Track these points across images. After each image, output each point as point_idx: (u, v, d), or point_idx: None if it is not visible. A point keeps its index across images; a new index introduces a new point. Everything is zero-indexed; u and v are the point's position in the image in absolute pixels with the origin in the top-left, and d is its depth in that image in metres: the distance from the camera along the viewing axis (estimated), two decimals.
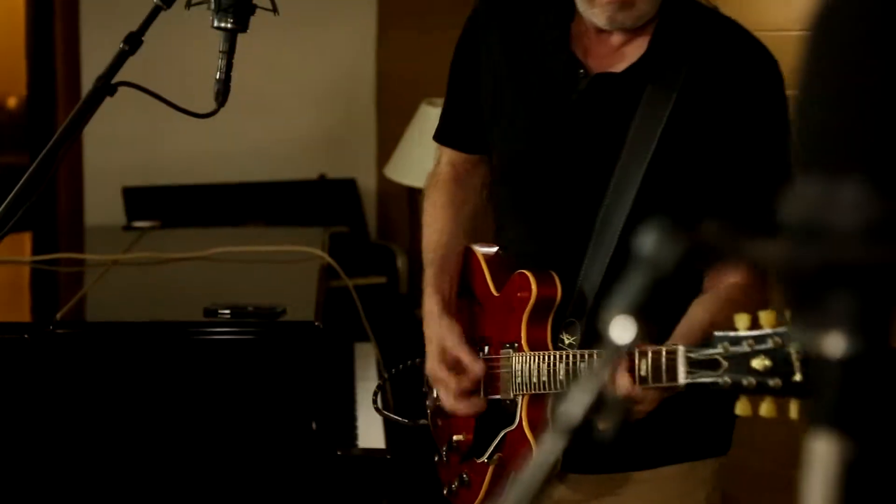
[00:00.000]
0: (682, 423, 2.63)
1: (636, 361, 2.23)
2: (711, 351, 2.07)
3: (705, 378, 2.08)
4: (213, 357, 3.49)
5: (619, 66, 2.57)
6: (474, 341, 2.73)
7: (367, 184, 6.03)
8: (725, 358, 2.05)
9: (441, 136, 2.92)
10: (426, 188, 2.97)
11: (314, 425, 2.75)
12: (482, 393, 2.66)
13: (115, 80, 2.39)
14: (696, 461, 2.72)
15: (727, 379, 2.04)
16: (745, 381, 2.01)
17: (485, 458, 2.67)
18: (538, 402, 2.58)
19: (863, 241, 0.77)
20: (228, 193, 5.49)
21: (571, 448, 2.73)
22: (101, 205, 5.49)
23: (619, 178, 2.50)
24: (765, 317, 1.95)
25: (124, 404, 3.45)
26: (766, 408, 2.01)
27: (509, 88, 2.73)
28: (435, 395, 2.81)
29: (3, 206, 2.35)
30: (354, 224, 5.90)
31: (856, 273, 0.77)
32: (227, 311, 3.52)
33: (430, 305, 2.71)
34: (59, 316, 3.77)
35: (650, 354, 2.20)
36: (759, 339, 1.99)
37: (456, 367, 2.64)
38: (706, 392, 2.12)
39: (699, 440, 2.73)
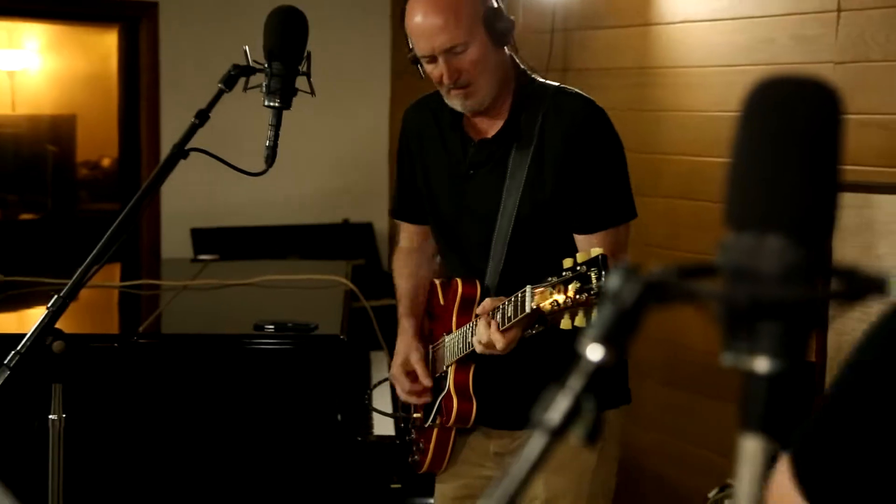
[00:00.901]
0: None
1: (502, 308, 2.46)
2: (545, 284, 2.28)
3: (547, 303, 2.27)
4: (261, 363, 3.49)
5: (491, 133, 2.71)
6: (430, 340, 2.88)
7: (381, 226, 6.03)
8: (554, 286, 2.26)
9: (396, 214, 3.09)
10: (395, 255, 3.13)
11: (339, 417, 2.75)
12: (430, 381, 2.78)
13: (188, 146, 2.40)
14: (610, 409, 2.79)
15: (561, 301, 2.24)
16: (565, 302, 2.23)
17: (428, 423, 2.78)
18: (463, 371, 2.69)
19: (784, 283, 0.77)
20: (272, 233, 5.50)
21: (505, 410, 2.71)
22: (174, 242, 5.49)
23: (502, 213, 2.66)
24: (580, 257, 2.25)
25: (191, 398, 3.45)
26: (578, 319, 2.26)
27: (432, 171, 2.86)
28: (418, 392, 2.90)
29: (100, 243, 2.36)
30: (371, 257, 5.93)
31: (779, 308, 0.77)
32: (272, 326, 3.53)
33: (406, 326, 2.89)
34: (140, 329, 3.80)
35: (509, 299, 2.43)
36: (573, 270, 2.24)
37: (411, 375, 2.81)
38: (553, 314, 2.31)
39: (608, 389, 2.71)
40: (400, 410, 2.88)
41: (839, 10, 3.80)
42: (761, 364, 0.77)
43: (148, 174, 5.64)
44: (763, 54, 4.06)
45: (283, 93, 2.48)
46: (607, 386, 2.71)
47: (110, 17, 5.82)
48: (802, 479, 1.24)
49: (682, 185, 4.41)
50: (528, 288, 2.34)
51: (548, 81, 2.75)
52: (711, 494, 4.19)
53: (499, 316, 2.44)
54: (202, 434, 3.46)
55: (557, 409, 0.80)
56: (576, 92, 2.73)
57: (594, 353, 0.79)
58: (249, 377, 3.48)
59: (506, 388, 2.74)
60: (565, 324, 2.29)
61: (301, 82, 2.51)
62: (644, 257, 4.43)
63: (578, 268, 2.24)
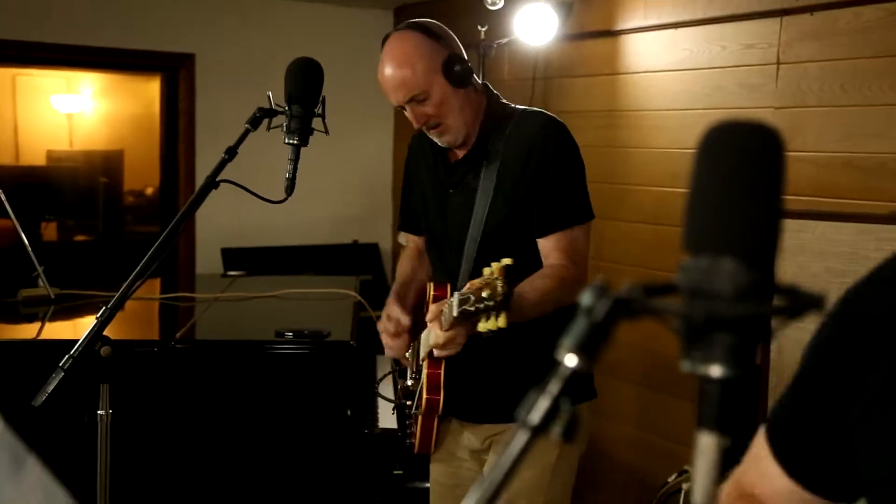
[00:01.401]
0: (540, 380, 2.61)
1: (445, 311, 2.39)
2: (465, 291, 2.22)
3: (468, 306, 2.20)
4: (281, 365, 3.47)
5: (460, 156, 2.71)
6: (417, 336, 2.81)
7: (386, 246, 6.03)
8: (472, 293, 2.19)
9: (402, 226, 3.06)
10: (402, 253, 3.11)
11: (348, 412, 2.73)
12: (407, 318, 2.72)
13: (218, 178, 2.39)
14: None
15: (474, 308, 2.18)
16: (481, 305, 2.16)
17: (413, 411, 2.75)
18: (434, 365, 2.63)
19: (735, 301, 0.76)
20: (291, 252, 5.50)
21: (474, 405, 2.66)
22: (207, 260, 5.47)
23: (472, 223, 2.64)
24: (494, 266, 2.19)
25: (221, 396, 3.44)
26: (492, 323, 2.19)
27: (424, 190, 2.85)
28: (405, 385, 2.88)
29: (142, 262, 2.36)
30: (377, 273, 5.92)
31: (730, 322, 0.76)
32: (290, 333, 3.51)
33: (389, 297, 2.80)
34: (177, 336, 3.78)
35: (447, 303, 2.39)
36: (487, 281, 2.17)
37: (390, 318, 2.73)
38: (469, 316, 2.25)
39: None
40: (400, 399, 2.84)
41: (778, 63, 3.81)
42: (715, 370, 0.76)
43: (184, 201, 5.65)
44: (714, 100, 4.06)
45: (301, 132, 2.48)
46: (575, 383, 2.70)
47: (154, 67, 5.83)
48: (772, 441, 1.28)
49: (646, 211, 4.40)
50: (455, 294, 2.30)
51: (516, 105, 2.73)
52: (671, 479, 4.18)
53: (443, 318, 2.41)
54: (229, 427, 3.46)
55: (538, 409, 0.79)
56: (537, 111, 2.71)
57: (570, 360, 0.79)
58: (271, 378, 3.46)
59: (475, 385, 2.70)
60: (481, 327, 2.24)
61: (316, 123, 2.52)
62: (613, 274, 4.43)
63: (490, 276, 2.21)
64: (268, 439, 3.45)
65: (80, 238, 7.99)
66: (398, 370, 2.94)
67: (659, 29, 4.32)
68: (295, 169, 2.49)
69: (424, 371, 2.65)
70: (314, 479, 3.41)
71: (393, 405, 2.83)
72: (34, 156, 8.41)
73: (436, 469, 2.89)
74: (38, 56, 5.45)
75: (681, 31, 4.22)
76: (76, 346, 2.32)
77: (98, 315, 2.37)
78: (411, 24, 2.63)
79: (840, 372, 1.18)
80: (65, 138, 8.67)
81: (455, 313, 2.28)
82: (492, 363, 2.65)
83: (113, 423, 2.54)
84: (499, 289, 2.17)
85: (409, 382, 2.84)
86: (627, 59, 4.51)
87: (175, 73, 5.67)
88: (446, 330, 2.40)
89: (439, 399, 2.64)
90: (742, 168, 0.81)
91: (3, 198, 4.31)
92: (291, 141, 2.48)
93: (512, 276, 2.22)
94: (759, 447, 1.30)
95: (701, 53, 4.15)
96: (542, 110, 2.71)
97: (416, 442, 2.78)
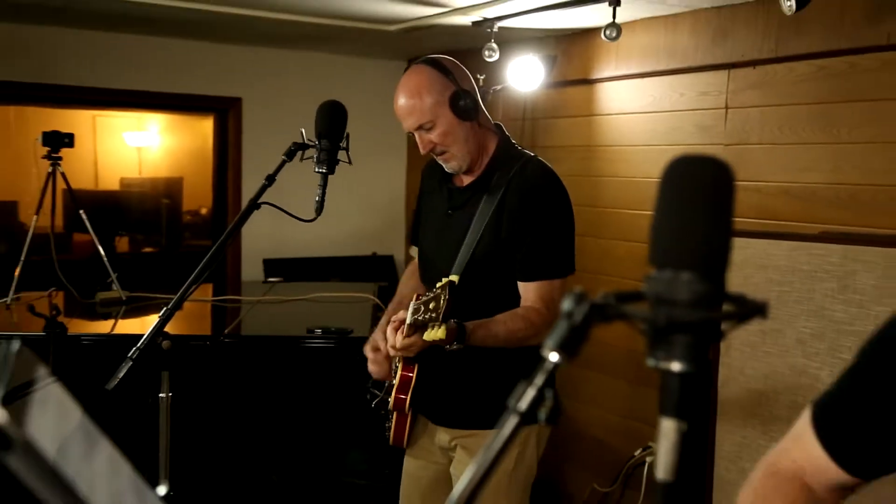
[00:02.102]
0: (501, 398, 2.51)
1: (403, 320, 2.29)
2: (417, 302, 2.20)
3: (418, 316, 2.18)
4: (312, 357, 3.48)
5: (466, 184, 2.57)
6: None
7: (400, 257, 6.01)
8: (423, 303, 2.17)
9: (412, 241, 2.87)
10: (408, 267, 2.95)
11: (368, 396, 2.72)
12: (381, 353, 2.54)
13: (259, 201, 2.39)
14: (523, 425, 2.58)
15: (421, 317, 2.17)
16: (428, 315, 2.15)
17: (389, 408, 2.60)
18: (408, 368, 2.53)
19: (692, 307, 0.76)
20: (320, 263, 5.50)
21: (443, 411, 2.57)
22: (251, 268, 5.48)
23: (464, 246, 2.49)
24: (442, 282, 2.17)
25: (262, 381, 3.45)
26: (435, 333, 2.16)
27: (430, 210, 2.73)
28: (391, 383, 2.74)
29: (197, 269, 2.36)
30: (392, 281, 5.91)
31: (688, 325, 0.75)
32: (320, 330, 3.51)
33: (382, 320, 2.60)
34: (226, 331, 3.77)
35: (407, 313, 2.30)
36: (434, 294, 2.16)
37: (374, 348, 2.54)
38: (420, 325, 2.21)
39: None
40: (384, 395, 2.69)
41: (727, 108, 3.82)
42: (675, 366, 0.76)
43: (233, 219, 5.65)
44: (673, 138, 4.07)
45: (329, 162, 2.48)
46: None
47: (208, 108, 5.84)
48: (817, 424, 1.26)
49: (618, 230, 4.40)
50: (411, 304, 2.22)
51: (526, 150, 2.59)
52: (637, 453, 4.16)
53: (405, 327, 2.29)
54: (268, 407, 3.46)
55: (526, 398, 0.78)
56: (542, 162, 2.54)
57: (553, 357, 0.78)
58: (303, 367, 3.47)
59: (445, 393, 2.58)
60: (428, 335, 2.18)
61: (341, 154, 2.52)
62: (591, 283, 4.41)
63: (436, 291, 2.16)
64: (300, 418, 3.46)
65: (146, 250, 8.00)
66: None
67: (628, 78, 4.32)
68: (324, 193, 2.48)
69: (399, 372, 2.53)
70: (338, 448, 3.40)
71: (373, 401, 2.67)
72: (110, 182, 8.44)
73: (408, 461, 2.75)
74: (113, 100, 5.46)
75: (646, 80, 4.22)
76: (141, 340, 2.32)
77: (160, 314, 2.36)
78: (427, 59, 2.51)
79: (892, 370, 1.17)
80: (135, 167, 8.70)
81: (409, 321, 2.21)
82: (460, 377, 2.54)
83: (172, 405, 2.54)
84: (441, 302, 2.13)
85: (395, 381, 2.71)
86: (601, 103, 4.51)
87: (225, 113, 5.68)
88: (406, 336, 2.29)
89: (406, 399, 2.51)
90: (696, 195, 0.81)
91: (85, 216, 4.32)
92: (321, 170, 2.48)
93: (455, 294, 2.16)
94: (803, 430, 1.28)
95: (663, 99, 4.15)
96: (546, 163, 2.56)
97: (392, 435, 2.64)
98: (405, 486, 2.76)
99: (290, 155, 2.47)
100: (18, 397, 0.63)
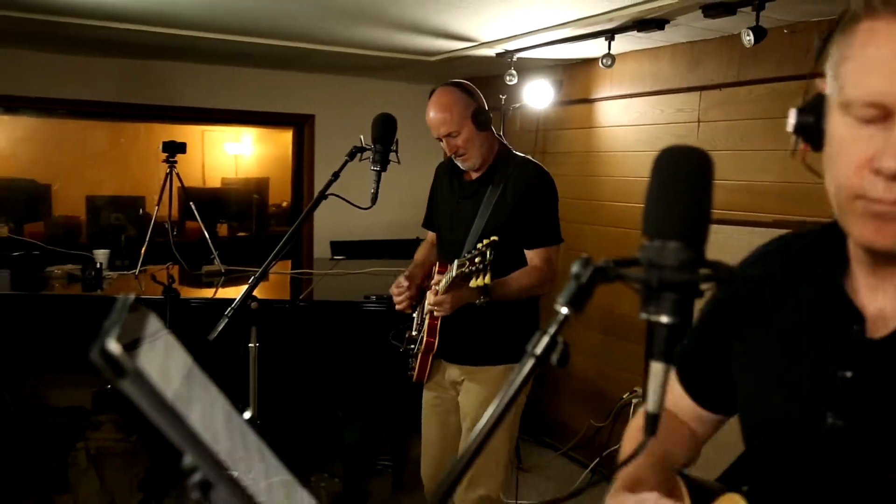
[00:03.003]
0: (502, 343, 2.60)
1: (439, 282, 2.42)
2: (463, 258, 2.25)
3: (464, 269, 2.22)
4: (368, 318, 3.46)
5: (474, 178, 2.66)
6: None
7: None
8: (468, 261, 2.21)
9: (424, 224, 2.95)
10: (421, 244, 3.01)
11: (394, 342, 2.76)
12: (409, 284, 2.66)
13: (327, 192, 2.36)
14: (513, 364, 2.60)
15: (468, 269, 2.20)
16: (473, 267, 2.18)
17: (414, 350, 2.71)
18: (434, 319, 2.60)
19: (678, 270, 0.72)
20: (375, 244, 5.48)
21: (457, 351, 2.61)
22: (321, 248, 5.48)
23: (475, 226, 2.57)
24: (485, 241, 2.19)
25: (329, 336, 3.44)
26: (481, 280, 2.19)
27: (442, 199, 2.80)
28: (410, 334, 2.79)
29: (277, 247, 2.34)
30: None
31: (674, 285, 0.72)
32: (374, 297, 3.50)
33: (407, 271, 2.75)
34: (301, 297, 3.76)
35: (447, 275, 2.39)
36: (479, 251, 2.18)
37: (397, 284, 2.68)
38: (465, 278, 2.25)
39: (512, 353, 2.59)
40: (406, 345, 2.77)
41: (699, 122, 3.75)
42: (664, 318, 0.73)
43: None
44: (656, 146, 3.97)
45: (382, 162, 2.45)
46: (517, 348, 2.62)
47: (288, 123, 5.84)
48: (679, 373, 1.21)
49: (612, 219, 4.34)
50: (455, 262, 2.29)
51: (519, 154, 2.68)
52: (625, 396, 4.11)
53: (441, 286, 2.40)
54: (333, 356, 3.46)
55: (541, 344, 0.75)
56: (533, 161, 2.64)
57: (563, 310, 0.75)
58: (362, 325, 3.46)
59: (459, 339, 2.63)
60: (473, 283, 2.24)
61: (392, 156, 2.49)
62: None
63: (481, 247, 2.20)
64: (357, 365, 3.45)
65: (240, 234, 8.04)
66: (408, 325, 2.84)
67: (619, 98, 4.26)
68: (377, 187, 2.46)
69: (427, 321, 2.61)
70: (386, 390, 3.39)
71: (399, 349, 2.74)
72: (213, 181, 8.49)
73: (426, 394, 2.82)
74: (217, 117, 5.48)
75: (634, 99, 4.16)
76: (235, 302, 2.31)
77: (250, 282, 2.36)
78: (453, 82, 2.61)
79: (725, 320, 1.12)
80: (232, 170, 8.74)
81: (454, 274, 2.28)
82: (471, 325, 2.59)
83: (259, 353, 2.54)
84: (487, 256, 2.16)
85: (414, 333, 2.77)
86: (599, 117, 4.44)
87: (302, 127, 5.68)
88: (441, 294, 2.40)
89: (434, 341, 2.62)
90: (681, 177, 0.78)
91: (194, 207, 4.33)
92: (375, 168, 2.45)
93: (497, 249, 2.20)
94: (673, 383, 1.23)
95: (647, 114, 4.08)
96: (536, 161, 2.66)
97: (415, 373, 2.73)
98: (425, 412, 2.84)
99: (351, 156, 2.45)
100: (139, 341, 0.61)
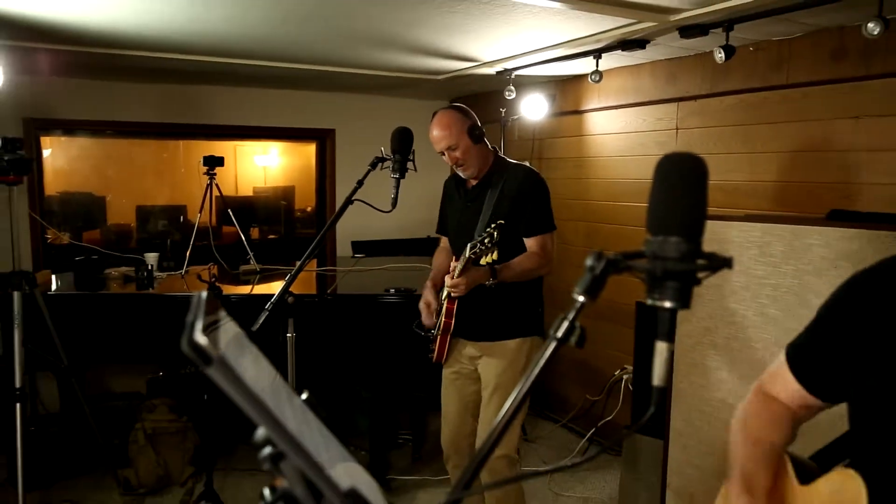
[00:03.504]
0: (514, 319, 2.66)
1: (455, 267, 2.45)
2: (475, 241, 2.29)
3: (476, 249, 2.27)
4: (388, 309, 3.46)
5: (474, 184, 2.71)
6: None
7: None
8: (479, 242, 2.26)
9: (438, 231, 2.98)
10: (437, 249, 3.03)
11: (417, 329, 2.74)
12: (435, 302, 2.69)
13: (353, 198, 2.37)
14: (525, 337, 2.67)
15: (479, 249, 2.27)
16: (483, 247, 2.25)
17: (434, 333, 2.73)
18: (451, 303, 2.63)
19: (679, 261, 0.73)
20: (393, 243, 5.47)
21: (474, 330, 2.65)
22: (343, 247, 5.48)
23: (479, 224, 2.60)
24: (493, 226, 2.22)
25: (354, 326, 3.44)
26: (489, 258, 2.25)
27: (451, 206, 2.85)
28: (430, 321, 2.79)
29: (310, 247, 2.34)
30: None
31: (676, 274, 0.73)
32: (393, 290, 3.50)
33: (428, 283, 2.77)
34: (328, 291, 3.76)
35: (461, 260, 2.41)
36: (487, 233, 2.26)
37: (426, 303, 2.71)
38: (477, 257, 2.29)
39: (524, 327, 2.67)
40: (427, 331, 2.80)
41: (677, 129, 3.75)
42: (667, 304, 0.74)
43: (329, 216, 5.65)
44: (637, 150, 4.00)
45: (401, 170, 2.47)
46: (530, 322, 2.70)
47: (312, 136, 5.84)
48: (791, 362, 1.21)
49: (601, 216, 4.34)
50: (468, 245, 2.35)
51: (512, 160, 2.73)
52: (616, 373, 4.12)
53: (455, 271, 2.45)
54: (358, 344, 3.46)
55: (561, 328, 0.76)
56: (524, 165, 2.70)
57: (580, 298, 0.76)
58: (383, 315, 3.46)
59: (475, 318, 2.68)
60: (483, 261, 2.31)
61: (409, 165, 2.50)
62: (583, 257, 4.37)
63: (490, 229, 2.26)
64: (380, 350, 3.45)
65: (271, 237, 8.05)
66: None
67: (606, 109, 4.25)
68: (397, 192, 2.47)
69: (444, 306, 2.66)
70: (405, 371, 3.39)
71: (422, 334, 2.79)
72: (245, 190, 8.50)
73: (446, 370, 2.86)
74: (248, 133, 5.49)
75: (619, 110, 4.15)
76: (274, 297, 2.33)
77: (286, 279, 2.37)
78: (450, 106, 2.69)
79: (847, 321, 1.11)
80: (261, 179, 8.75)
81: (468, 254, 2.34)
82: (485, 308, 2.64)
83: (296, 341, 2.55)
84: (495, 235, 2.24)
85: (443, 313, 2.79)
86: (588, 126, 4.44)
87: (324, 140, 5.68)
88: (456, 277, 2.45)
89: (451, 322, 2.66)
90: (680, 180, 0.78)
91: (231, 214, 4.35)
92: (395, 175, 2.47)
93: (503, 230, 2.27)
94: (779, 366, 1.24)
95: (631, 123, 4.08)
96: (527, 165, 2.72)
97: (435, 354, 2.77)
98: (445, 386, 2.87)
99: (373, 165, 2.46)
100: (212, 328, 0.62)
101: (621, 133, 4.16)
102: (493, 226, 2.28)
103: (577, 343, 0.76)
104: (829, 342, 1.15)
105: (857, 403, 1.09)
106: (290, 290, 2.42)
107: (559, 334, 0.75)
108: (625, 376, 4.03)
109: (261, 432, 0.63)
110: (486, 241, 2.28)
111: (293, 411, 0.71)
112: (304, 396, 0.80)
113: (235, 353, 0.63)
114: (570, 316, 0.75)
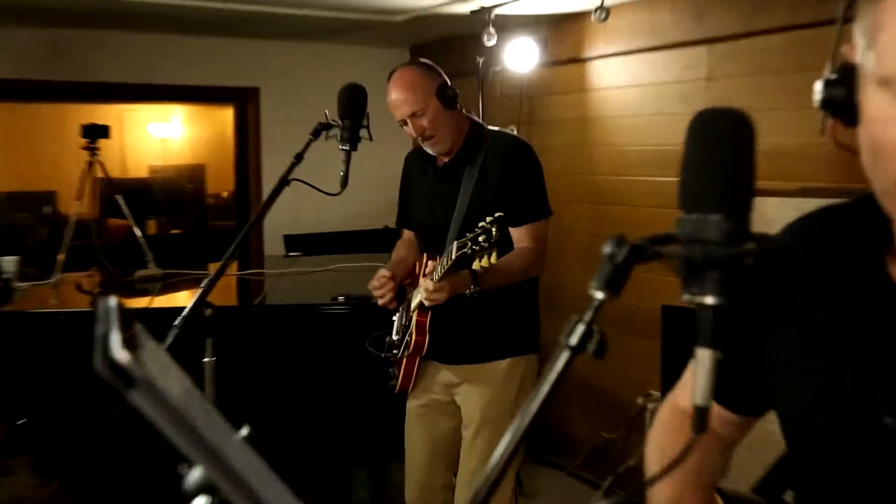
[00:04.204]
0: (503, 334, 2.72)
1: (439, 266, 2.45)
2: (464, 238, 2.27)
3: (464, 249, 2.26)
4: (333, 322, 3.49)
5: (447, 161, 2.75)
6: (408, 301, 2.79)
7: None
8: (471, 241, 2.24)
9: (399, 223, 3.09)
10: (398, 242, 3.09)
11: (371, 350, 2.79)
12: (389, 273, 2.74)
13: (290, 177, 2.36)
14: (517, 357, 2.71)
15: (470, 249, 2.23)
16: (477, 247, 2.22)
17: (399, 354, 2.76)
18: (422, 315, 2.66)
19: (721, 244, 0.75)
20: (337, 237, 5.48)
21: (450, 351, 2.68)
22: (273, 244, 5.45)
23: (457, 210, 2.66)
24: (488, 219, 2.22)
25: (286, 345, 3.46)
26: (484, 261, 2.25)
27: (417, 190, 2.89)
28: (391, 340, 2.84)
29: (233, 245, 2.34)
30: None
31: (719, 261, 0.75)
32: (342, 298, 3.52)
33: (386, 267, 2.82)
34: (254, 302, 3.78)
35: (443, 257, 2.43)
36: (482, 228, 2.22)
37: (377, 277, 2.76)
38: (467, 260, 2.29)
39: (515, 344, 2.73)
40: (386, 352, 2.83)
41: (708, 79, 3.82)
42: (708, 299, 0.75)
43: (254, 201, 5.63)
44: (656, 108, 4.07)
45: (352, 140, 2.47)
46: (521, 338, 2.75)
47: (228, 98, 5.82)
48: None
49: (612, 195, 4.39)
50: (454, 243, 2.34)
51: (492, 127, 2.78)
52: (639, 400, 4.16)
53: (436, 274, 2.46)
54: (294, 366, 3.48)
55: (576, 334, 0.78)
56: (508, 133, 2.74)
57: (598, 295, 0.78)
58: (328, 331, 3.48)
59: (456, 335, 2.70)
60: (476, 265, 2.29)
61: (362, 133, 2.51)
62: (589, 247, 4.43)
63: (486, 224, 2.24)
64: (323, 371, 3.47)
65: (173, 231, 7.99)
66: (389, 331, 2.90)
67: (615, 56, 4.31)
68: (347, 169, 2.47)
69: (414, 319, 2.67)
70: (356, 392, 3.42)
71: (381, 355, 2.81)
72: (138, 170, 8.42)
73: (411, 402, 2.88)
74: (142, 93, 5.44)
75: (632, 56, 4.21)
76: (186, 309, 2.31)
77: (202, 286, 2.37)
78: (411, 61, 2.74)
79: (751, 314, 1.12)
80: (158, 156, 8.68)
81: (454, 257, 2.33)
82: (466, 321, 2.67)
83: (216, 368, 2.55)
84: (493, 233, 2.22)
85: (395, 337, 2.82)
86: (591, 79, 4.49)
87: (244, 102, 5.66)
88: (437, 282, 2.45)
89: (424, 340, 2.68)
90: (720, 142, 0.80)
91: (122, 202, 4.32)
92: (344, 147, 2.47)
93: (502, 225, 2.25)
94: (690, 377, 1.25)
95: (647, 74, 4.13)
96: (513, 132, 2.80)
97: (399, 382, 2.78)
98: (409, 424, 2.90)
99: (315, 134, 2.45)
100: (138, 347, 0.64)
101: (635, 86, 4.22)
102: (489, 220, 2.24)
103: (597, 353, 0.78)
104: (734, 349, 1.18)
105: (781, 409, 1.12)
106: (208, 300, 2.41)
107: (573, 341, 0.78)
108: (650, 405, 4.08)
109: (195, 477, 0.65)
110: (480, 238, 2.23)
111: (234, 451, 0.73)
112: (243, 432, 0.82)
113: (162, 375, 0.65)
114: (587, 317, 0.77)
